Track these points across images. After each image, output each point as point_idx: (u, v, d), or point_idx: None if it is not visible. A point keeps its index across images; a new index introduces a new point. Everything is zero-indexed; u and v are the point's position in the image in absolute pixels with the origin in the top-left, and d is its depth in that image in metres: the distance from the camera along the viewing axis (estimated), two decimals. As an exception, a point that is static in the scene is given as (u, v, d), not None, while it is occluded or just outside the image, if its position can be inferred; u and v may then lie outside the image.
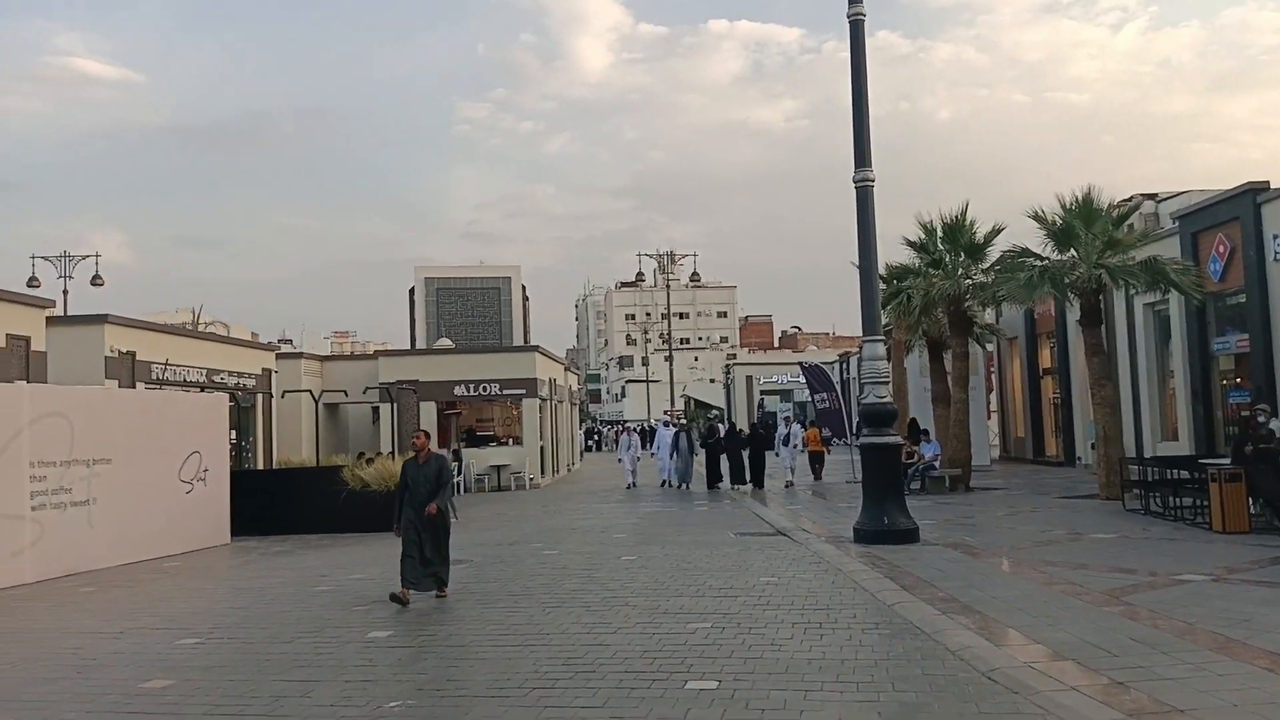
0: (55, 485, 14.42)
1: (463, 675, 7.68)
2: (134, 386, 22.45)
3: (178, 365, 24.84)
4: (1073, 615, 8.84)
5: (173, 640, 9.40)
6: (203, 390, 24.58)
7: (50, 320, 20.96)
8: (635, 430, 35.41)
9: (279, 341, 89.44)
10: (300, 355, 35.64)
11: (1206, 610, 8.85)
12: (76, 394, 15.88)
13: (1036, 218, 20.16)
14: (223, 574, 14.58)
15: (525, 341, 63.58)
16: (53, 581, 13.63)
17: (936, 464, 23.06)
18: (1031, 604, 9.39)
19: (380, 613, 10.27)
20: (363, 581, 12.36)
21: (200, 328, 44.63)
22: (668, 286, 55.06)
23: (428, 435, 11.88)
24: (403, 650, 8.68)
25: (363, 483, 18.65)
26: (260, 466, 27.71)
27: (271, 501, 19.18)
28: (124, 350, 22.71)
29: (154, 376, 23.59)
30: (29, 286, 39.22)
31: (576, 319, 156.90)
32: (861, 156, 15.12)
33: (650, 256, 53.38)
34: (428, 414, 31.05)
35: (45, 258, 41.62)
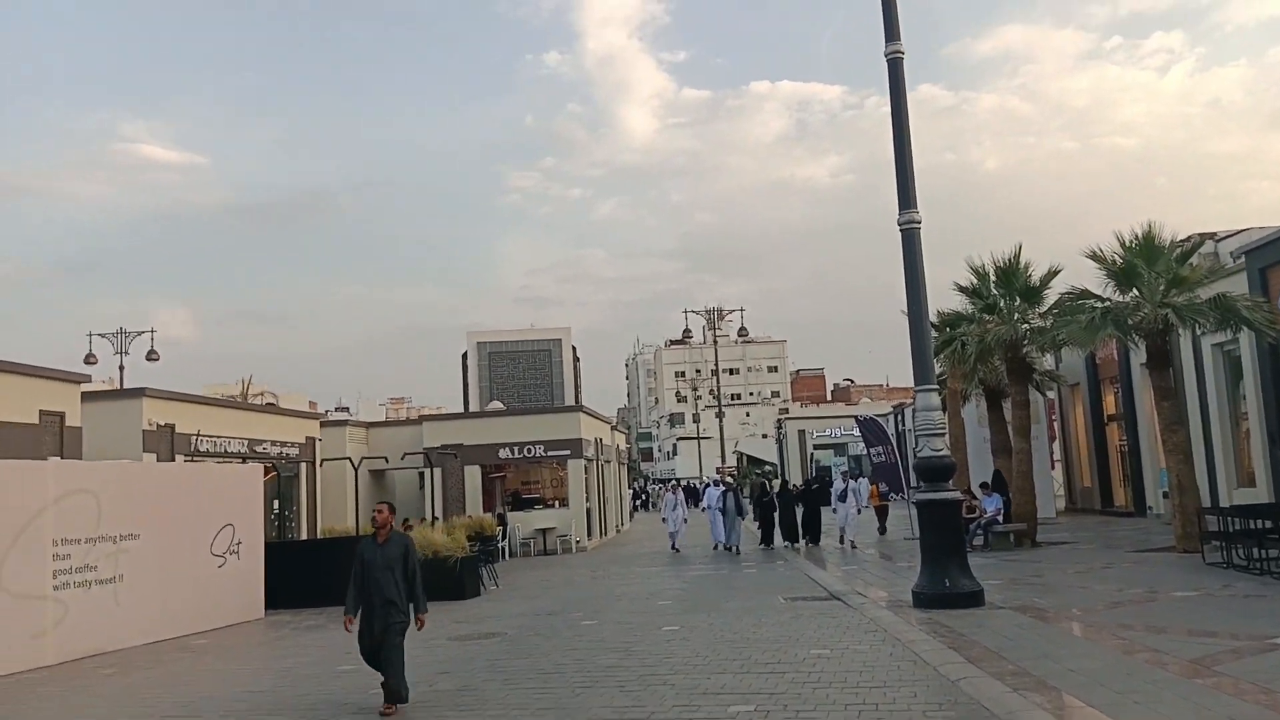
0: (80, 563, 14.00)
1: (477, 772, 6.94)
2: (173, 459, 22.23)
3: (218, 436, 24.64)
4: (1159, 690, 7.89)
5: (178, 731, 8.80)
6: (244, 461, 24.31)
7: (86, 395, 20.86)
8: (681, 488, 34.52)
9: (336, 409, 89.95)
10: (345, 423, 35.49)
11: (1314, 682, 7.86)
12: (104, 469, 15.55)
13: (1095, 257, 19.31)
14: (249, 652, 13.98)
15: (577, 401, 62.91)
16: (76, 663, 13.14)
17: (1000, 518, 21.94)
18: (1112, 677, 8.45)
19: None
20: (389, 660, 11.66)
21: (249, 398, 44.78)
22: (715, 343, 54.29)
23: (392, 509, 9.72)
24: (418, 741, 7.98)
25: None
26: (304, 536, 27.34)
27: (308, 572, 18.64)
28: (162, 423, 22.53)
29: (193, 448, 23.38)
30: (86, 363, 39.51)
31: (627, 378, 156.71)
32: (906, 198, 14.54)
33: (698, 314, 52.71)
34: (472, 477, 30.61)
35: (102, 335, 41.89)
